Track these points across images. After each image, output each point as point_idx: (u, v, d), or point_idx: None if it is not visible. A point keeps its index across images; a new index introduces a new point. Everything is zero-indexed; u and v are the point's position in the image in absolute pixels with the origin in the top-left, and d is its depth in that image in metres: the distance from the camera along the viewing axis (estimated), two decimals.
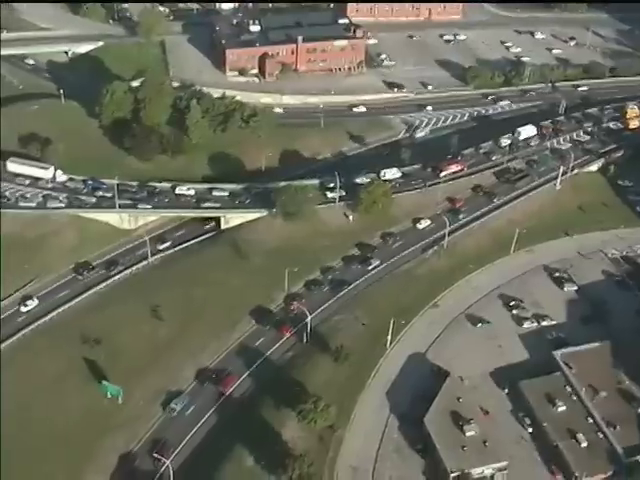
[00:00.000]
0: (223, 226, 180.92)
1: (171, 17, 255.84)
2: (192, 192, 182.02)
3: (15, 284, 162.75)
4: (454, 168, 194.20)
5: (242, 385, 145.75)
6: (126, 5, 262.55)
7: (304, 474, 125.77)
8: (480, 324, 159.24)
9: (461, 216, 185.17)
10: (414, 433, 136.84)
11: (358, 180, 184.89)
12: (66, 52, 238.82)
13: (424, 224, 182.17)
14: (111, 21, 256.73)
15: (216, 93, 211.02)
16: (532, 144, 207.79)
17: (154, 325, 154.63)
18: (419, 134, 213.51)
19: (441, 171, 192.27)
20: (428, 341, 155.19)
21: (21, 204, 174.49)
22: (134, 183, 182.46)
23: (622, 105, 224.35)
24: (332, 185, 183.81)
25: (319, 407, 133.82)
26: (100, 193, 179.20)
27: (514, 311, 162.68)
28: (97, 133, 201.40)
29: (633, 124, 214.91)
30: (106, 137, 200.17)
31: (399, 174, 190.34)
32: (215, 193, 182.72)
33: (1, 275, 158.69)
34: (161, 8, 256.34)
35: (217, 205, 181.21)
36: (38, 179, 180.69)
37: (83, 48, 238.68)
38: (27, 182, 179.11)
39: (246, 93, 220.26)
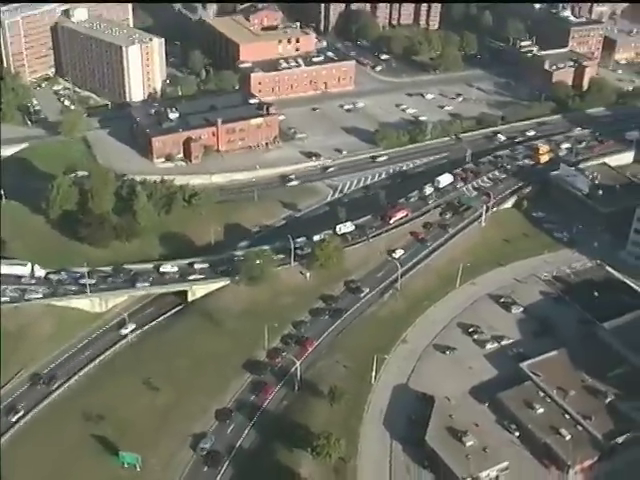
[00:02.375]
0: (190, 298, 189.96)
1: (86, 114, 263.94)
2: (175, 269, 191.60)
3: (5, 376, 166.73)
4: (401, 214, 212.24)
5: (249, 436, 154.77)
6: (38, 107, 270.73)
7: None
8: (448, 351, 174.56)
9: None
10: (417, 452, 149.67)
11: (316, 237, 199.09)
12: None
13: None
14: (29, 123, 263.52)
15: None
16: (450, 189, 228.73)
17: (151, 395, 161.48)
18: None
19: (390, 218, 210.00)
20: (407, 372, 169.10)
21: None
22: (107, 268, 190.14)
23: (533, 144, 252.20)
24: (297, 246, 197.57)
25: (331, 441, 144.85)
26: (84, 281, 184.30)
27: (475, 336, 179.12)
28: (46, 228, 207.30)
29: (544, 159, 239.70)
30: (55, 230, 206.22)
31: (353, 227, 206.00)
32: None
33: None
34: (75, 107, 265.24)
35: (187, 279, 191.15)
36: (17, 276, 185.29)
37: (9, 151, 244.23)
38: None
39: (176, 177, 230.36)
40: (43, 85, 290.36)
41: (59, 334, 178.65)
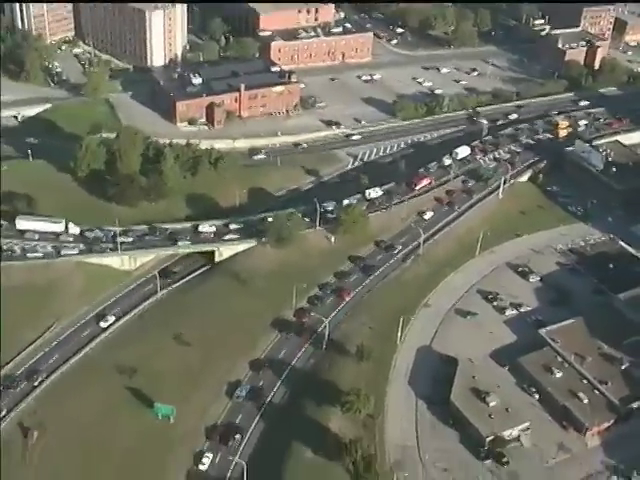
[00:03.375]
0: (217, 259, 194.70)
1: (109, 76, 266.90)
2: (213, 228, 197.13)
3: (37, 330, 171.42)
4: (425, 181, 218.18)
5: (279, 391, 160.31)
6: (59, 69, 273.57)
7: (364, 456, 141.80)
8: (469, 316, 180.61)
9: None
10: (442, 411, 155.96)
11: (345, 202, 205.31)
12: (15, 116, 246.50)
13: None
14: (52, 84, 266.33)
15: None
16: (470, 160, 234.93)
17: (182, 350, 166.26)
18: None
19: (415, 185, 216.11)
20: (430, 335, 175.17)
21: (29, 255, 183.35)
22: (144, 227, 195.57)
23: (551, 119, 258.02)
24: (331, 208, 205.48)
25: (361, 398, 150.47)
26: (121, 239, 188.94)
27: (494, 303, 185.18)
28: (73, 186, 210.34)
29: (562, 134, 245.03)
30: (83, 189, 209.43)
31: (381, 192, 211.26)
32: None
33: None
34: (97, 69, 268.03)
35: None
36: (50, 233, 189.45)
37: (32, 111, 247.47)
38: (36, 237, 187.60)
39: (197, 141, 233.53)
40: (63, 48, 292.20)
41: (89, 290, 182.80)
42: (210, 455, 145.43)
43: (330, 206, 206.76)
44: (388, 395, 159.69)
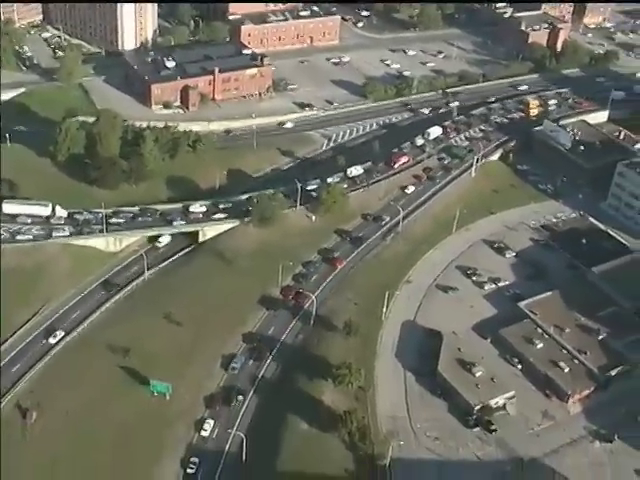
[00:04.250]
0: (201, 239, 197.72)
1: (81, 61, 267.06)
2: (204, 209, 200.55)
3: (28, 312, 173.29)
4: (404, 159, 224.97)
5: (270, 367, 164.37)
6: (30, 54, 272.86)
7: (359, 426, 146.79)
8: (450, 291, 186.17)
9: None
10: (430, 382, 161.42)
11: (329, 180, 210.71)
12: None
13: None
14: (24, 68, 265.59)
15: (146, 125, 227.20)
16: (443, 139, 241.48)
17: (173, 329, 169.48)
18: None
19: (394, 163, 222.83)
20: (413, 310, 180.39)
21: (18, 238, 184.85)
22: (135, 209, 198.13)
23: (523, 99, 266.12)
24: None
25: (352, 371, 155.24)
26: (113, 220, 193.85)
27: (473, 278, 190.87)
28: (53, 170, 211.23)
29: (533, 113, 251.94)
30: (63, 173, 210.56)
31: (362, 170, 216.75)
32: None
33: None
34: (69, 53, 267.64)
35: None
36: (37, 216, 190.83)
37: (6, 95, 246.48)
38: (29, 221, 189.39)
39: (175, 123, 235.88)
40: (32, 32, 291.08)
41: (76, 272, 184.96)
42: (211, 422, 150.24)
43: (313, 185, 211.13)
44: (377, 368, 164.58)
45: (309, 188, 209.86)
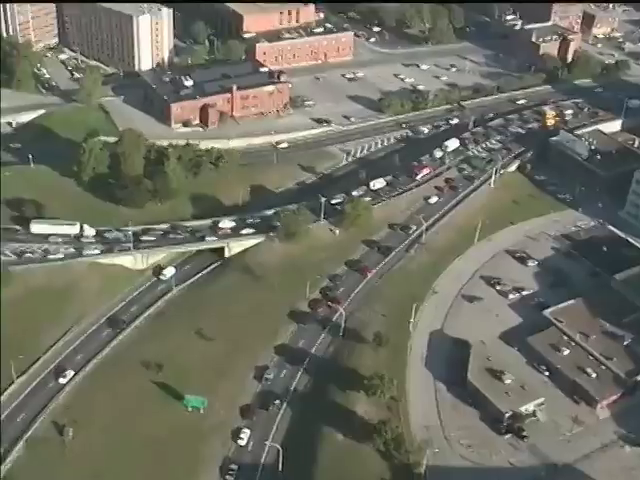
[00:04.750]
0: (227, 255, 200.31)
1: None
2: (233, 224, 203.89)
3: (56, 333, 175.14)
4: (426, 171, 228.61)
5: (302, 379, 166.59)
6: (47, 76, 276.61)
7: (394, 436, 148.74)
8: (475, 301, 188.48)
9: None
10: (460, 391, 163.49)
11: (354, 193, 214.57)
12: (9, 123, 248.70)
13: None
14: (43, 90, 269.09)
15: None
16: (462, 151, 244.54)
17: (205, 344, 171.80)
18: None
19: (416, 174, 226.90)
20: (440, 320, 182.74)
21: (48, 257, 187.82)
22: (165, 226, 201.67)
23: (540, 109, 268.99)
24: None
25: (385, 382, 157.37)
26: (145, 238, 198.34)
27: (497, 287, 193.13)
28: (78, 190, 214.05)
29: (550, 123, 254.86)
30: (88, 193, 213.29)
31: (384, 183, 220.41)
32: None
33: None
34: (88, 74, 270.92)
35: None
36: (65, 235, 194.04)
37: (25, 117, 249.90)
38: (59, 240, 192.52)
39: (196, 141, 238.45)
40: (49, 55, 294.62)
41: (105, 290, 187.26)
42: (247, 431, 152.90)
43: (338, 199, 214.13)
44: (408, 378, 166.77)
45: (333, 202, 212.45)
